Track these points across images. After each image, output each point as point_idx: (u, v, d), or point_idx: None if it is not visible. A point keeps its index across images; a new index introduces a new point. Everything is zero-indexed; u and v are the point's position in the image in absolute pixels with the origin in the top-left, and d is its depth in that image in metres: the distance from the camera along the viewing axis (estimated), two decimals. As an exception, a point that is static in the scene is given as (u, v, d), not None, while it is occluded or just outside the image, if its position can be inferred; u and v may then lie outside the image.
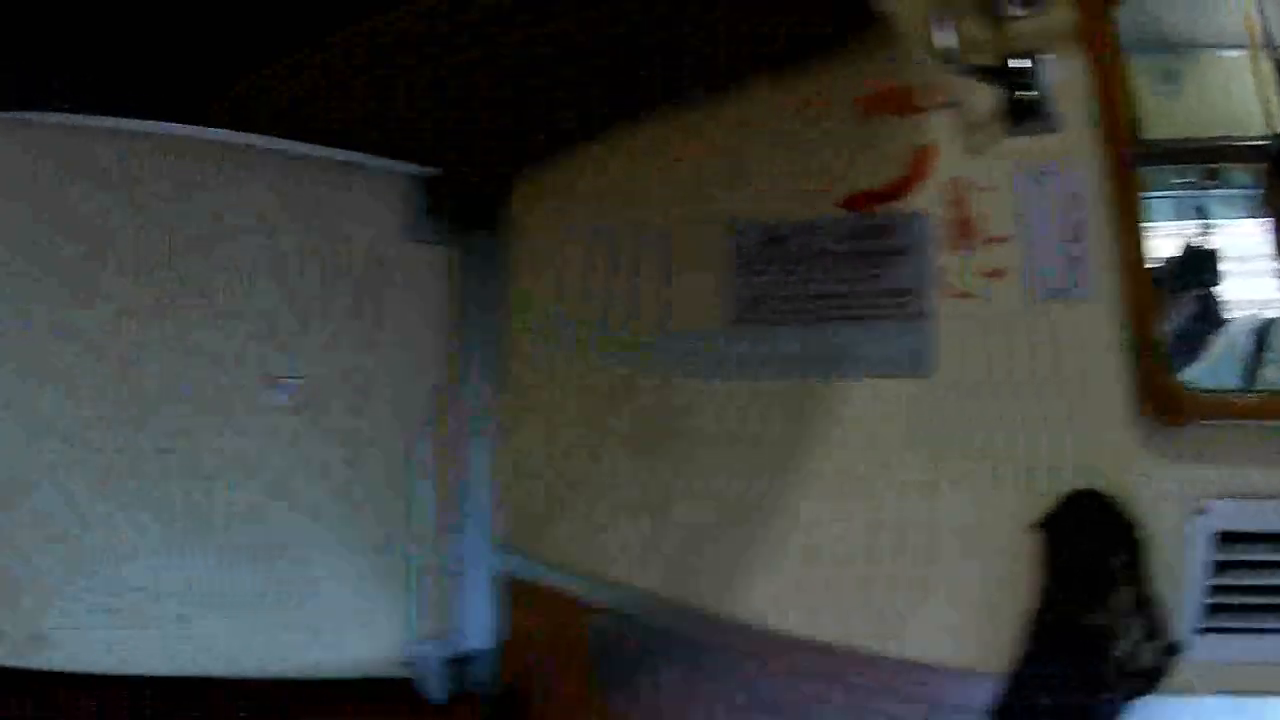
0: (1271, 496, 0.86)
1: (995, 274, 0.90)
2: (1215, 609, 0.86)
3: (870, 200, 0.96)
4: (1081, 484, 0.86)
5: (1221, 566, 0.86)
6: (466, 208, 1.38)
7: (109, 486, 1.23)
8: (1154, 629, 0.84)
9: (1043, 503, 0.87)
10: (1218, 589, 0.86)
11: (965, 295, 0.91)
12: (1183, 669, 0.85)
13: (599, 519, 1.20)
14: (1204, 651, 0.86)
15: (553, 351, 1.32)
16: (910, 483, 0.92)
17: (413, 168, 1.34)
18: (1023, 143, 0.89)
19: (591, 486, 1.23)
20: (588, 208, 1.24)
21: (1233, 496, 0.86)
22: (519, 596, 1.37)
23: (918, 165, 0.93)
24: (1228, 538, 0.85)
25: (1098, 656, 0.82)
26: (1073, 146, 0.87)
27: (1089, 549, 0.84)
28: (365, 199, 1.32)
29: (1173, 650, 0.84)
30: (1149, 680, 0.83)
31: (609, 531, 1.18)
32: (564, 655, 1.25)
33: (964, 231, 0.91)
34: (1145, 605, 0.84)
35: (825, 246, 0.97)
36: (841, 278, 0.95)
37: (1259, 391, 0.92)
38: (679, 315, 1.10)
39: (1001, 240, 0.90)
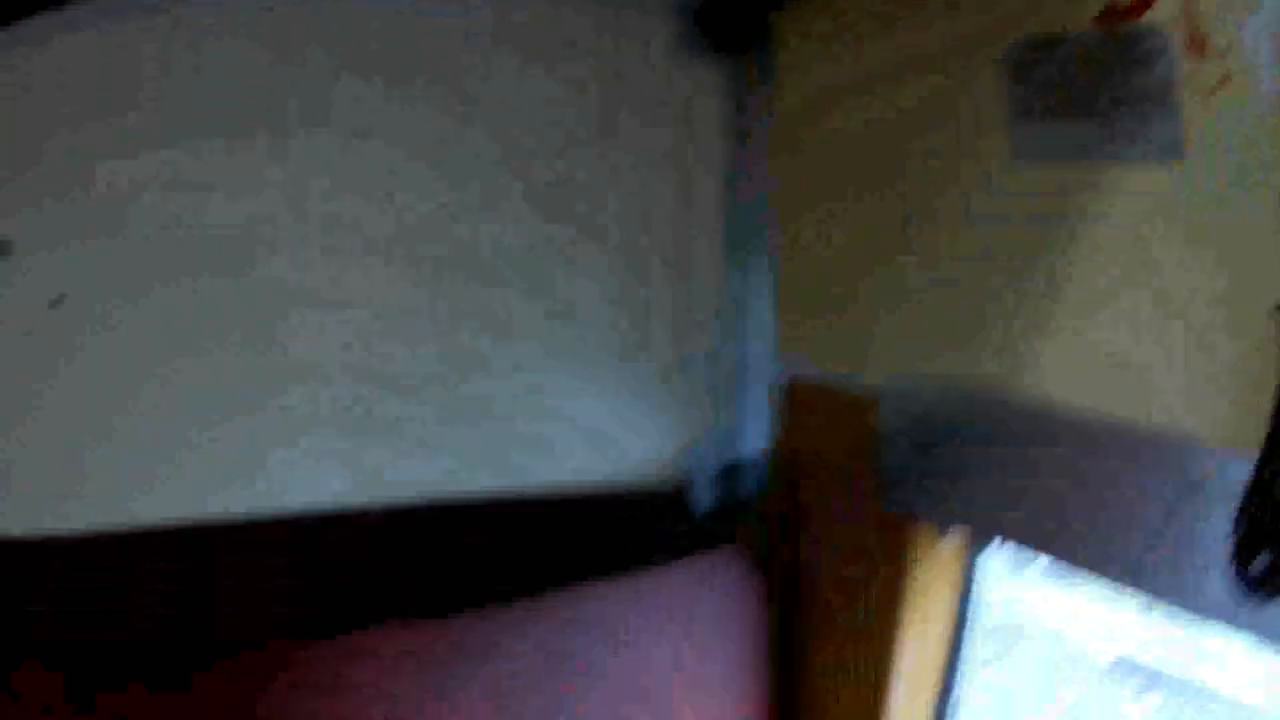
0: None
1: (1224, 80, 1.00)
2: None
3: (1117, 16, 1.08)
4: None
5: None
6: (735, 32, 1.40)
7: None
8: None
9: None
10: None
11: (1213, 92, 1.01)
12: None
13: (875, 309, 1.32)
14: None
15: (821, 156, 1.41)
16: (1167, 259, 1.04)
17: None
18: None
19: (868, 280, 1.34)
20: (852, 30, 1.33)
21: None
22: (797, 400, 1.42)
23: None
24: None
25: None
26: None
27: None
28: (641, 24, 1.36)
29: None
30: None
31: (884, 322, 1.30)
32: (844, 457, 1.31)
33: (1194, 45, 1.01)
34: None
35: (1082, 52, 1.13)
36: (1097, 79, 1.11)
37: None
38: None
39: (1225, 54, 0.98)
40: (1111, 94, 1.12)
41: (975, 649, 1.32)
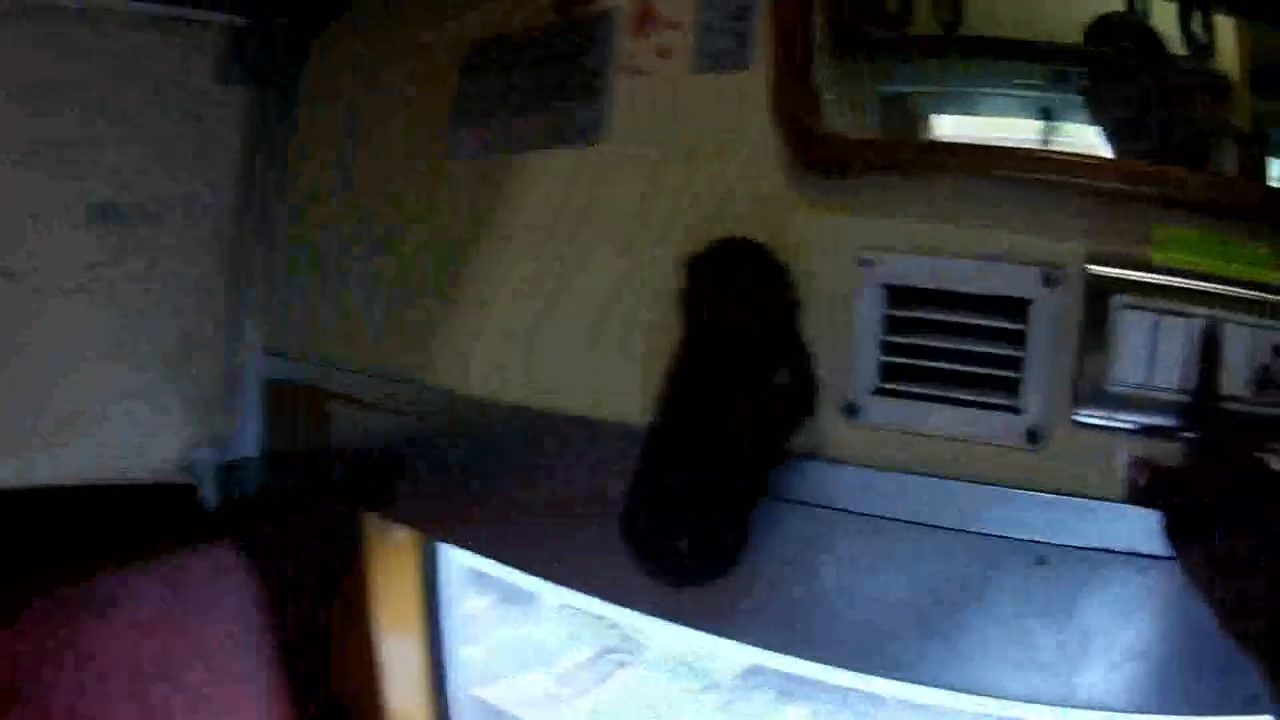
0: (938, 252, 0.86)
1: (665, 53, 0.94)
2: (889, 370, 0.86)
3: (573, 3, 1.01)
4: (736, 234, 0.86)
5: (893, 324, 0.85)
6: (270, 58, 1.43)
7: None
8: (805, 379, 0.85)
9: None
10: (890, 347, 0.85)
11: (639, 72, 0.95)
12: (857, 435, 0.86)
13: (344, 308, 1.27)
14: (878, 415, 0.86)
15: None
16: (582, 244, 0.96)
17: (224, 17, 1.40)
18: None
19: (337, 281, 1.30)
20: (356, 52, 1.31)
21: (900, 251, 0.86)
22: (280, 398, 1.42)
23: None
24: (897, 294, 0.85)
25: (744, 404, 0.82)
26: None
27: (736, 294, 0.84)
28: (180, 47, 1.38)
29: (850, 411, 0.85)
30: (796, 422, 0.84)
31: (351, 322, 1.25)
32: (316, 454, 1.32)
33: (645, 20, 0.97)
34: (797, 354, 0.85)
35: (537, 44, 1.02)
36: (543, 70, 1.01)
37: (919, 142, 0.86)
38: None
39: (674, 25, 0.95)
40: (544, 83, 1.01)
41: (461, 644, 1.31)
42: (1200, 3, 0.97)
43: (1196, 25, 0.96)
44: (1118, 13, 0.94)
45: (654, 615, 0.91)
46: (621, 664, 1.40)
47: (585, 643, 1.50)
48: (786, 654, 0.91)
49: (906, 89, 0.96)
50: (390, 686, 1.23)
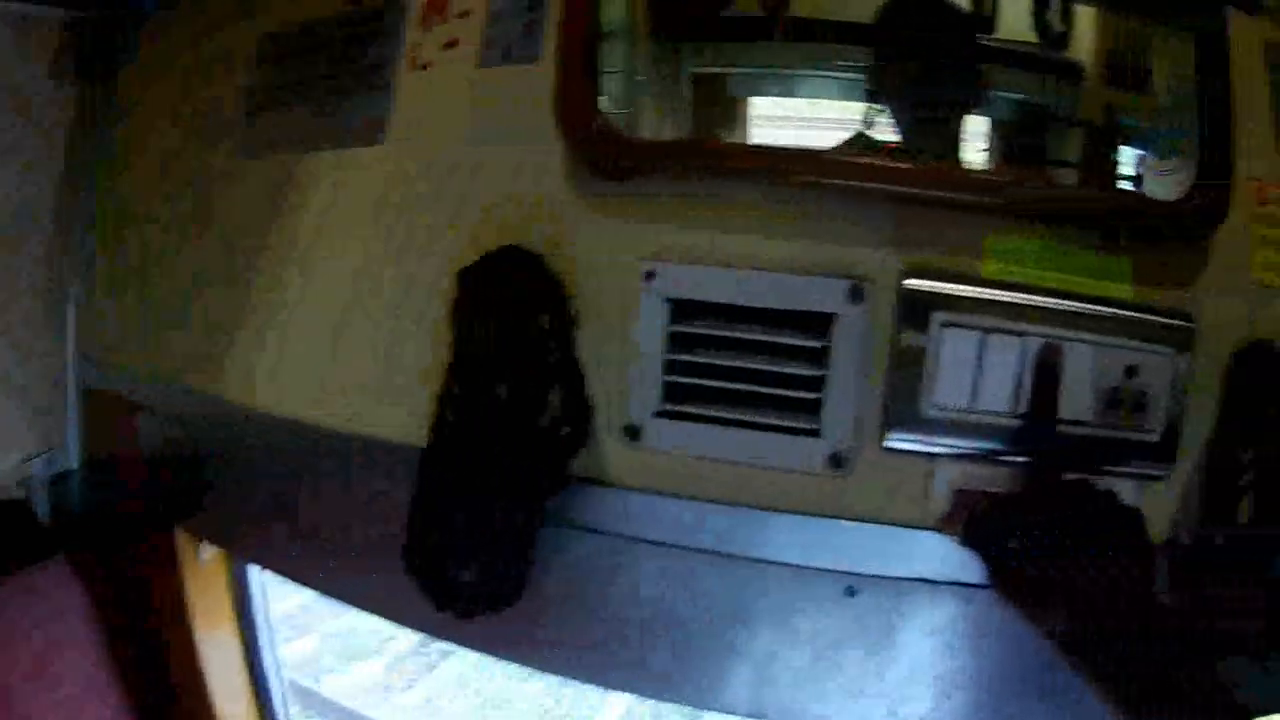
0: (730, 263, 0.78)
1: (452, 43, 0.87)
2: (673, 390, 0.79)
3: None
4: (518, 242, 0.79)
5: (677, 341, 0.78)
6: (102, 53, 1.34)
7: None
8: (579, 402, 0.78)
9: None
10: (674, 366, 0.78)
11: (425, 66, 0.87)
12: (640, 459, 0.80)
13: (151, 317, 1.19)
14: (661, 439, 0.79)
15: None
16: (366, 250, 0.89)
17: (59, 11, 1.29)
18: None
19: (144, 289, 1.21)
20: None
21: (683, 261, 0.78)
22: (99, 409, 1.34)
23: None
24: (682, 308, 0.78)
25: (515, 428, 0.76)
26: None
27: (507, 306, 0.77)
28: (10, 42, 1.27)
29: (632, 434, 0.78)
30: (570, 452, 0.78)
31: (157, 331, 1.17)
32: (132, 467, 1.24)
33: (436, 8, 0.89)
34: (570, 375, 0.78)
35: (328, 35, 0.95)
36: (337, 60, 0.93)
37: (709, 144, 0.79)
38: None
39: (465, 15, 0.87)
40: (332, 78, 0.93)
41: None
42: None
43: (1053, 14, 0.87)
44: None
45: (447, 640, 0.86)
46: (447, 653, 1.36)
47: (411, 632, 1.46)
48: (588, 683, 0.85)
49: (728, 70, 0.88)
50: (216, 690, 1.19)
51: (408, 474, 0.79)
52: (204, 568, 1.15)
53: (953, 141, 0.85)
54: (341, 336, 0.87)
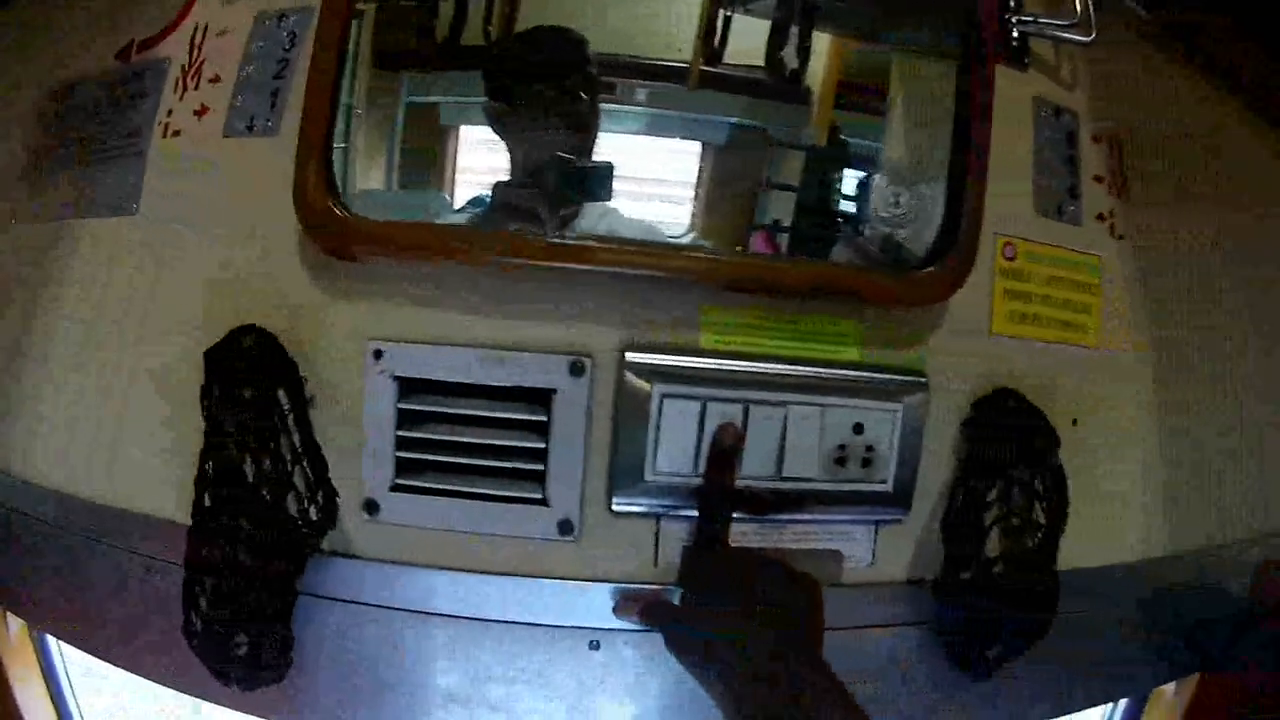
0: (445, 343, 0.81)
1: (202, 111, 0.87)
2: (405, 465, 0.82)
3: (137, 49, 0.93)
4: (262, 319, 0.82)
5: (406, 417, 0.81)
6: None
7: None
8: (323, 484, 0.81)
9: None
10: (405, 442, 0.81)
11: (177, 133, 0.88)
12: (380, 532, 0.83)
13: None
14: (397, 512, 0.82)
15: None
16: (121, 326, 0.89)
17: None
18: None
19: None
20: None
21: (409, 340, 0.81)
22: None
23: (180, 13, 0.92)
24: (408, 385, 0.81)
25: (266, 509, 0.78)
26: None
27: (248, 390, 0.79)
28: None
29: (370, 508, 0.82)
30: (318, 534, 0.81)
31: None
32: None
33: (192, 72, 0.89)
34: (310, 455, 0.81)
35: (95, 96, 0.94)
36: (102, 123, 0.93)
37: (424, 226, 0.80)
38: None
39: (216, 80, 0.88)
40: (95, 142, 0.93)
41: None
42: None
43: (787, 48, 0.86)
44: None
45: (230, 708, 0.88)
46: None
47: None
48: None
49: (442, 100, 0.88)
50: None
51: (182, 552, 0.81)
52: (14, 637, 1.12)
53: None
54: (108, 413, 0.88)
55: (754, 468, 0.82)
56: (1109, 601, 0.96)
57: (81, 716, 1.17)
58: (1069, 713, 1.01)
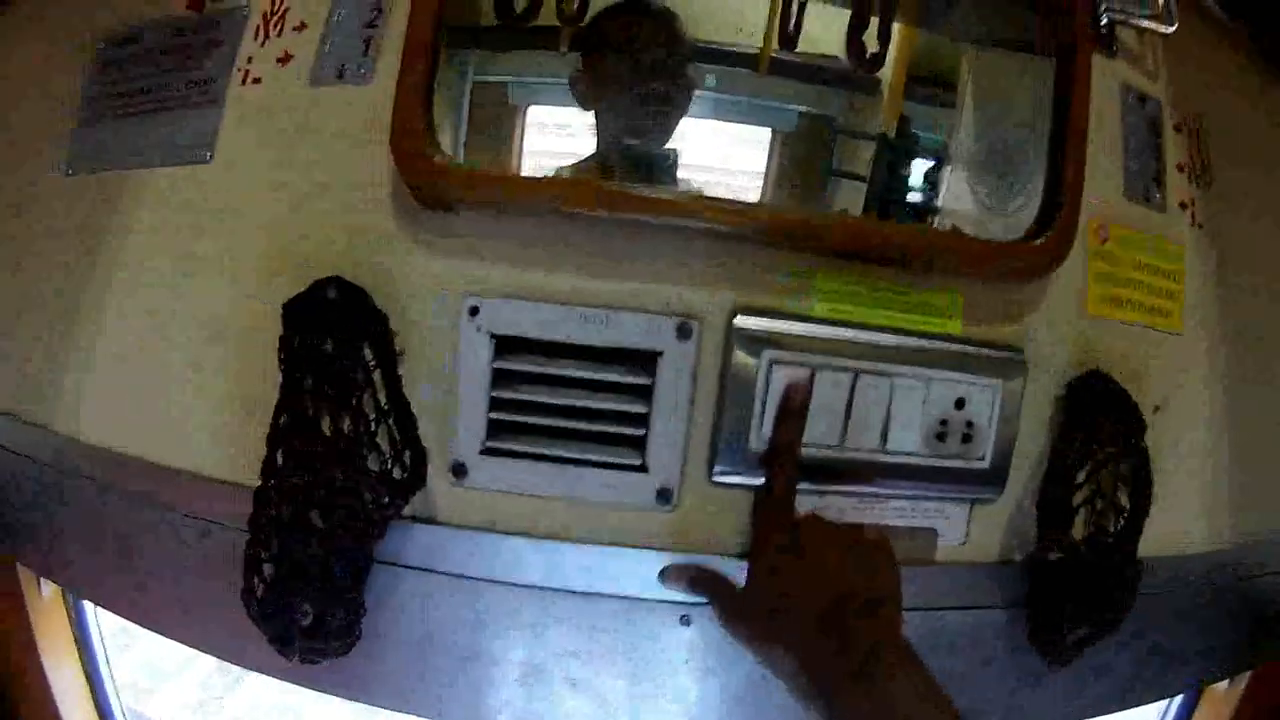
0: (545, 300, 0.77)
1: (285, 59, 0.84)
2: (498, 427, 0.78)
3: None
4: (343, 272, 0.76)
5: (501, 377, 0.77)
6: None
7: None
8: (411, 444, 0.77)
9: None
10: (498, 403, 0.77)
11: (257, 80, 0.84)
12: (467, 496, 0.79)
13: None
14: (486, 476, 0.78)
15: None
16: (191, 278, 0.84)
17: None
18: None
19: None
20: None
21: (508, 296, 0.77)
22: None
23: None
24: (506, 344, 0.77)
25: (347, 467, 0.73)
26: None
27: (331, 343, 0.73)
28: None
29: (458, 471, 0.78)
30: (403, 496, 0.76)
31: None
32: None
33: (275, 20, 0.85)
34: (398, 413, 0.76)
35: (162, 43, 0.90)
36: (165, 71, 0.88)
37: (532, 178, 0.78)
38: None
39: (302, 28, 0.84)
40: (164, 91, 0.88)
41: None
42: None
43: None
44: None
45: (288, 681, 0.85)
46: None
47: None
48: (424, 716, 0.85)
49: (509, 78, 0.86)
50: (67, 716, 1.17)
51: (241, 514, 0.76)
52: (45, 602, 1.10)
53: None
54: (168, 369, 0.83)
55: (859, 440, 0.80)
56: (1185, 591, 0.95)
57: (115, 686, 1.12)
58: (1132, 706, 1.00)
